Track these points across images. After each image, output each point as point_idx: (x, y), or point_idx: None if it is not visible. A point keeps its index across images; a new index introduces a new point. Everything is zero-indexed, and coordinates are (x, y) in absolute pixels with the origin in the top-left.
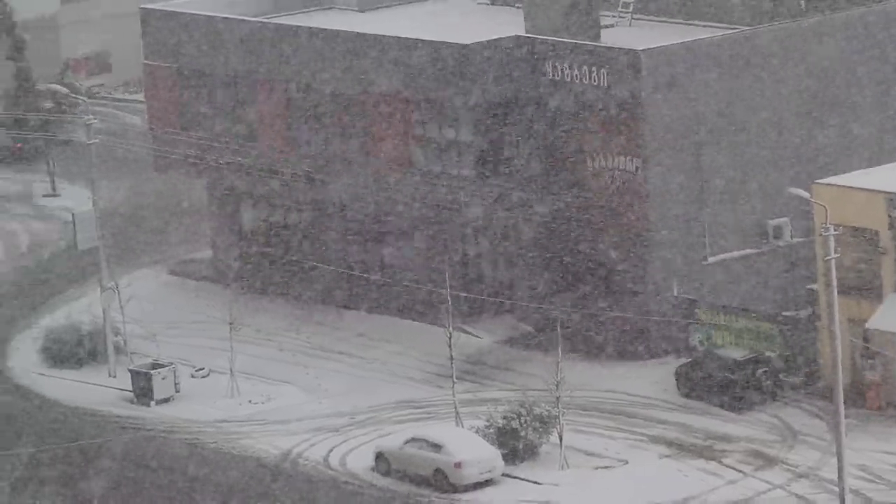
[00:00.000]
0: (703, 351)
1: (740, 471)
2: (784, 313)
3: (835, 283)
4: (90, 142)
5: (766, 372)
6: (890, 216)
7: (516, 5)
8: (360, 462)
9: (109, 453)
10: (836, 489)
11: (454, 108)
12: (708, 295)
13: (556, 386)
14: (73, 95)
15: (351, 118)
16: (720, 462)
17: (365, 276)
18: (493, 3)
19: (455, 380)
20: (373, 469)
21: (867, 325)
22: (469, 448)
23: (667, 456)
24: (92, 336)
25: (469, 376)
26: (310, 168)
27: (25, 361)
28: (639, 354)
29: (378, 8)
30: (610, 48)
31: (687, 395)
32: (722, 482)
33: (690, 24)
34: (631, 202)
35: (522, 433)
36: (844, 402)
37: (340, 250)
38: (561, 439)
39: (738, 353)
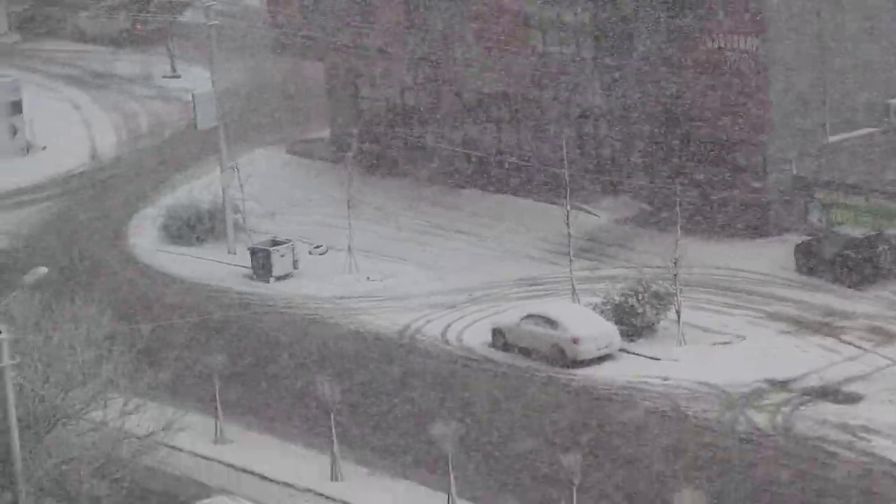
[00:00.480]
0: (823, 228)
1: (859, 347)
2: None
3: None
4: (210, 23)
5: (886, 249)
6: None
7: None
8: (477, 338)
9: (230, 328)
10: None
11: None
12: (827, 173)
13: (674, 263)
14: None
15: None
16: (839, 338)
17: (482, 155)
18: None
19: (572, 257)
20: (490, 345)
21: None
22: (586, 324)
23: (785, 332)
24: (212, 214)
25: (586, 254)
26: (427, 48)
27: (147, 239)
28: (757, 232)
29: None
30: None
31: (806, 273)
32: (841, 358)
33: None
34: (750, 81)
35: (640, 310)
36: None
37: (458, 130)
38: (679, 316)
39: (857, 231)
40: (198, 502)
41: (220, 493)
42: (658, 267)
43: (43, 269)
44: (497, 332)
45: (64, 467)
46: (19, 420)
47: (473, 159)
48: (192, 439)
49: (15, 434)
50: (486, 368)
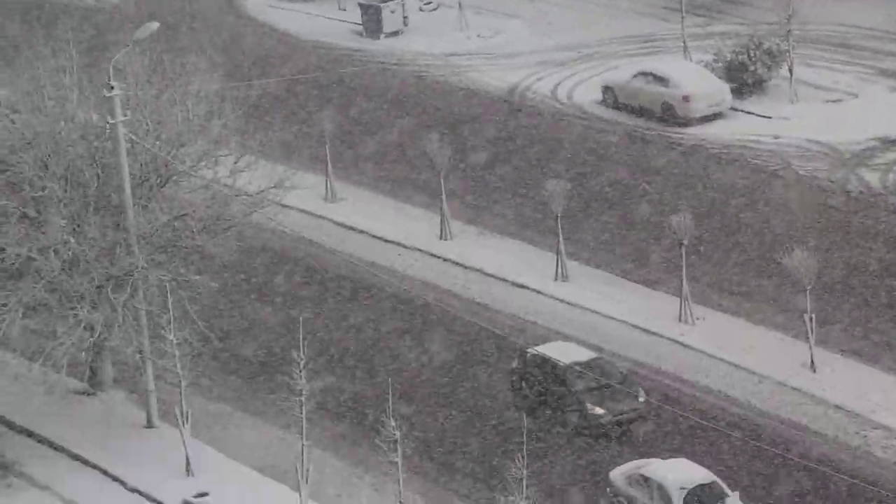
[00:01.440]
0: None
1: None
2: None
3: None
4: None
5: None
6: None
7: None
8: (586, 95)
9: (340, 85)
10: None
11: None
12: None
13: (787, 19)
14: None
15: None
16: None
17: None
18: None
19: (683, 14)
20: (600, 102)
21: None
22: (697, 82)
23: None
24: None
25: (698, 10)
26: None
27: None
28: None
29: None
30: None
31: None
32: None
33: None
34: None
35: (751, 67)
36: None
37: None
38: (791, 73)
39: None
40: (537, 347)
41: (560, 340)
42: (771, 23)
43: (154, 24)
44: (607, 90)
45: (176, 224)
46: (132, 176)
47: None
48: (303, 198)
49: (128, 190)
50: (595, 126)
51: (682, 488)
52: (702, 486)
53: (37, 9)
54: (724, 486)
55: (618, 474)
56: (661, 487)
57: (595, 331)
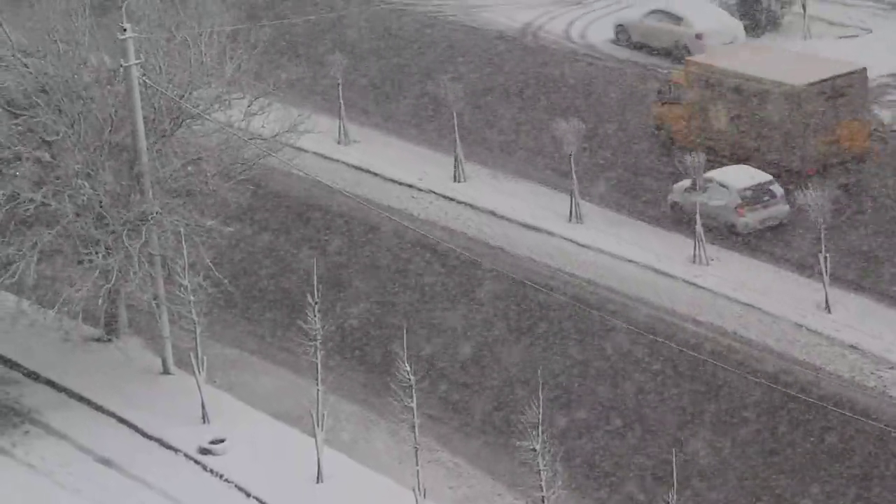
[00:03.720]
0: None
1: None
2: None
3: None
4: None
5: None
6: None
7: None
8: (600, 34)
9: (352, 25)
10: None
11: None
12: None
13: None
14: None
15: None
16: None
17: None
18: None
19: None
20: (613, 41)
21: None
22: (711, 19)
23: None
24: None
25: None
26: None
27: None
28: None
29: None
30: None
31: None
32: None
33: None
34: None
35: (765, 3)
36: None
37: None
38: (804, 9)
39: None
40: None
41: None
42: None
43: None
44: (620, 29)
45: (189, 168)
46: (145, 120)
47: None
48: (317, 141)
49: (141, 133)
50: (609, 66)
51: None
52: None
53: None
54: None
55: None
56: None
57: (609, 272)
